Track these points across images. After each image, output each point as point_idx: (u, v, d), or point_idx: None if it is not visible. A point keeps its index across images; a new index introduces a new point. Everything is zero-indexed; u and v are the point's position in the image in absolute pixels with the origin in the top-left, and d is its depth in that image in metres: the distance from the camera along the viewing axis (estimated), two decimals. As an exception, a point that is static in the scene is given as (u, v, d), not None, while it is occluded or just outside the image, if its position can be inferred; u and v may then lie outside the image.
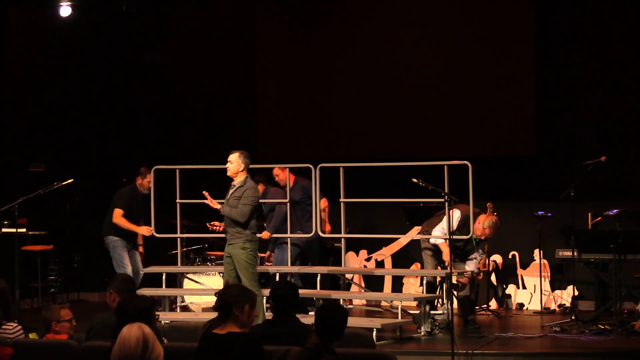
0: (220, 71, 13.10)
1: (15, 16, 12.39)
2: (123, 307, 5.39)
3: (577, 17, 11.74)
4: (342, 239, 10.64)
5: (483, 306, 11.07)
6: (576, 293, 10.62)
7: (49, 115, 12.92)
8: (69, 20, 12.18)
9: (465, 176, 9.54)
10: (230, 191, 9.15)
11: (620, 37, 11.56)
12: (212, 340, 5.34)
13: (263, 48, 12.82)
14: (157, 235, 10.84)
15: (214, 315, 5.67)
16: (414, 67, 12.10)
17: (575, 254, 10.14)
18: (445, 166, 9.65)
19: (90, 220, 12.32)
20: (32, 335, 6.86)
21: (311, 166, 10.47)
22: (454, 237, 9.37)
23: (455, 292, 9.65)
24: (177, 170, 10.75)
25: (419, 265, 10.86)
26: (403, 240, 12.02)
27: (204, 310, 10.64)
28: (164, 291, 10.59)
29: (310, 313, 10.34)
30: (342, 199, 10.34)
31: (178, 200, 10.79)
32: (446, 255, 9.61)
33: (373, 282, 11.96)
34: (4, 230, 11.17)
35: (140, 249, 10.95)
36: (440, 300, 10.20)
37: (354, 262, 12.23)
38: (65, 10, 12.02)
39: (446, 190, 9.31)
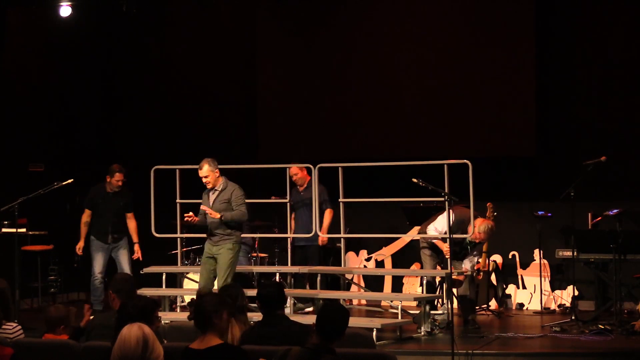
0: (220, 71, 13.09)
1: (15, 16, 12.39)
2: (123, 307, 5.39)
3: (577, 17, 11.74)
4: (342, 239, 10.64)
5: (483, 306, 11.07)
6: (576, 293, 10.62)
7: (49, 115, 12.92)
8: (69, 20, 12.17)
9: (465, 176, 9.53)
10: (213, 197, 9.25)
11: (620, 37, 11.56)
12: (193, 357, 5.10)
13: (263, 48, 12.82)
14: (157, 235, 10.85)
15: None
16: (414, 67, 12.10)
17: (575, 254, 10.13)
18: (445, 165, 9.64)
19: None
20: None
21: (311, 166, 10.48)
22: (446, 237, 9.41)
23: (454, 291, 9.66)
24: (177, 170, 10.76)
25: (419, 265, 10.86)
26: (403, 240, 12.02)
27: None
28: (164, 291, 10.59)
29: (306, 310, 10.39)
30: (341, 199, 10.35)
31: (178, 200, 10.80)
32: (444, 249, 9.63)
33: (373, 282, 11.96)
34: (4, 230, 11.17)
35: (136, 247, 10.94)
36: (440, 300, 10.20)
37: (354, 262, 12.23)
38: (65, 10, 12.02)
39: (446, 190, 9.31)
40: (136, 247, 10.97)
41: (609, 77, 11.59)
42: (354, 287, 11.38)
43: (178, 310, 10.69)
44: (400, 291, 11.76)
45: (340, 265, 10.80)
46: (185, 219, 9.30)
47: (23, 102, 12.57)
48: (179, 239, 10.98)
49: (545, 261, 11.44)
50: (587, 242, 10.07)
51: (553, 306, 11.30)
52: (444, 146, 11.72)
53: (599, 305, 10.62)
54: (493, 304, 11.46)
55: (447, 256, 9.63)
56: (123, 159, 13.03)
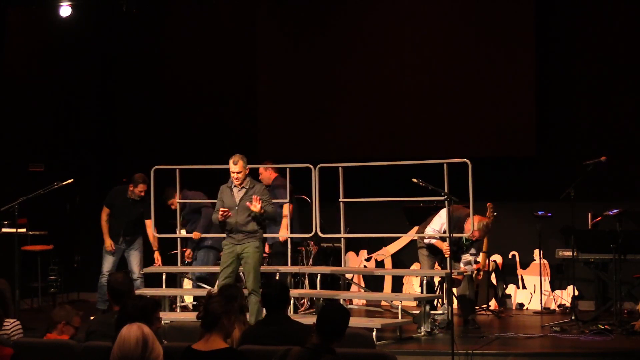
0: (220, 71, 13.10)
1: (15, 16, 12.39)
2: (123, 307, 5.39)
3: (577, 17, 11.74)
4: (342, 239, 10.64)
5: (483, 306, 11.07)
6: (576, 293, 10.62)
7: (49, 115, 12.92)
8: (69, 20, 12.18)
9: (465, 176, 9.54)
10: (240, 194, 9.06)
11: (620, 37, 11.56)
12: (196, 359, 5.01)
13: (263, 48, 12.82)
14: (157, 235, 10.85)
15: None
16: (413, 67, 12.10)
17: (575, 254, 10.14)
18: (445, 164, 9.64)
19: (90, 220, 12.30)
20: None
21: (311, 166, 10.48)
22: (445, 236, 9.41)
23: (454, 290, 9.67)
24: (177, 170, 10.76)
25: (419, 265, 10.86)
26: (403, 240, 12.02)
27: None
28: (164, 291, 10.59)
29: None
30: (341, 199, 10.35)
31: (178, 200, 10.80)
32: (444, 248, 9.63)
33: (373, 282, 11.96)
34: (4, 230, 11.18)
35: (156, 254, 10.87)
36: (440, 300, 10.20)
37: (354, 262, 12.23)
38: (65, 10, 12.03)
39: (446, 190, 9.31)
40: (156, 255, 10.90)
41: (609, 77, 11.59)
42: (354, 287, 11.39)
43: (178, 310, 10.70)
44: (400, 291, 11.77)
45: (340, 265, 10.80)
46: (221, 213, 8.97)
47: (23, 102, 12.57)
48: (179, 239, 10.98)
49: (545, 261, 11.43)
50: (587, 242, 10.07)
51: (553, 306, 11.30)
52: (443, 146, 11.72)
53: (599, 305, 10.63)
54: (493, 304, 11.46)
55: (447, 255, 9.63)
56: (123, 159, 13.08)
